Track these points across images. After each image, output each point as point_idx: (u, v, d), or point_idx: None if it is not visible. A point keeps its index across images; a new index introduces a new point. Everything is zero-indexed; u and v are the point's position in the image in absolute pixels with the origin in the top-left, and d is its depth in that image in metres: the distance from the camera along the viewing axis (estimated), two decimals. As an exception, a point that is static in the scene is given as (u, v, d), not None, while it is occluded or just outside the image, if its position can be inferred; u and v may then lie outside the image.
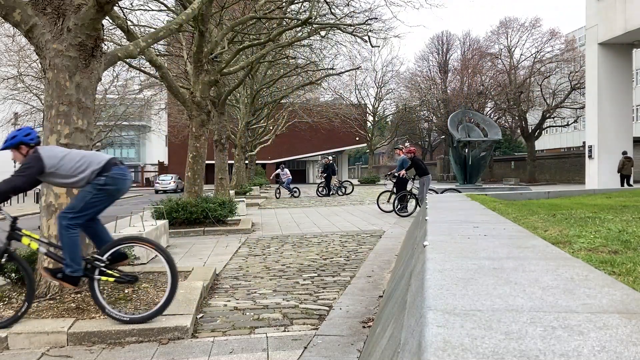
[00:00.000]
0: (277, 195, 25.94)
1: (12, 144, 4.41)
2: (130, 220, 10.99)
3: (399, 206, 13.90)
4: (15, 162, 4.38)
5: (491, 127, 39.81)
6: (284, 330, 4.33)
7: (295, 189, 25.74)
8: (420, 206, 13.09)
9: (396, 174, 14.58)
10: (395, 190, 14.84)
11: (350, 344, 3.89)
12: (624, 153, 17.62)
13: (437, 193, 13.93)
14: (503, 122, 51.50)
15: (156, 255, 4.61)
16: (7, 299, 4.80)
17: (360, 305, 4.99)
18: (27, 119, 34.60)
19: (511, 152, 55.05)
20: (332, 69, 25.43)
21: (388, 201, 15.27)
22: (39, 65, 17.97)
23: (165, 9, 16.91)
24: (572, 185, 29.98)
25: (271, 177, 26.46)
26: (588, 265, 2.34)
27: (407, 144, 17.53)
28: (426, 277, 2.11)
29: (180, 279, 5.69)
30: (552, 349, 1.28)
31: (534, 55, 44.44)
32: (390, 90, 52.51)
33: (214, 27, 13.59)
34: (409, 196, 14.25)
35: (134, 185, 62.34)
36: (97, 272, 4.34)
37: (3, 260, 4.42)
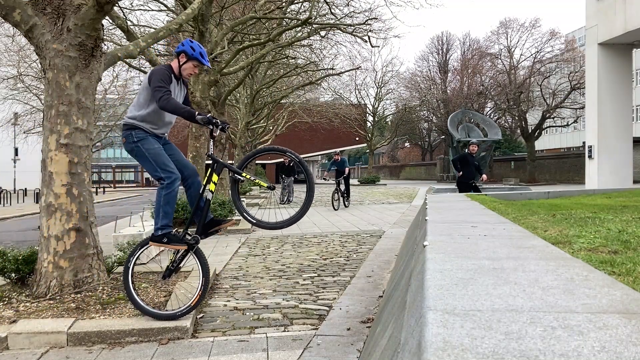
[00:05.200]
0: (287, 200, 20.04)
1: None
2: (130, 220, 10.99)
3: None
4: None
5: (491, 127, 39.88)
6: (284, 330, 4.33)
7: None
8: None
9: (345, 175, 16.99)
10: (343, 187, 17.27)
11: (350, 344, 3.89)
12: None
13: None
14: (503, 122, 51.53)
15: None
16: (7, 299, 4.81)
17: (360, 305, 4.99)
18: (27, 119, 34.60)
19: (511, 152, 55.06)
20: (332, 69, 25.41)
21: (336, 199, 16.93)
22: (39, 65, 17.98)
23: (165, 9, 16.91)
24: (572, 185, 29.97)
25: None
26: (588, 265, 2.33)
27: (338, 150, 18.16)
28: (426, 277, 2.11)
29: (180, 278, 5.70)
30: (552, 349, 1.27)
31: (533, 55, 44.48)
32: (390, 90, 52.55)
33: (214, 27, 13.59)
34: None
35: (134, 185, 62.40)
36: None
37: None
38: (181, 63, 4.40)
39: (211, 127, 4.21)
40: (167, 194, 4.32)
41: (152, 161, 4.31)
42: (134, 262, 4.50)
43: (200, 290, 4.39)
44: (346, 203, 17.65)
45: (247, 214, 4.44)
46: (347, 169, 17.14)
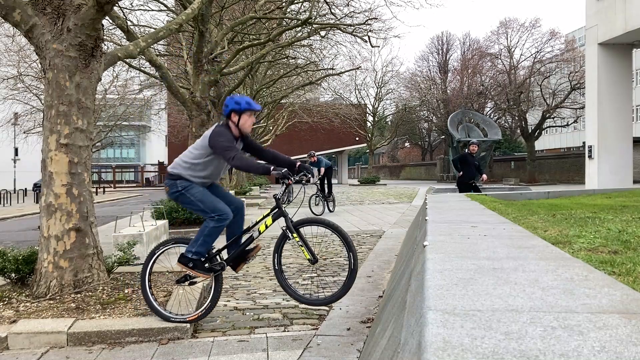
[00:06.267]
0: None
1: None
2: (130, 220, 10.98)
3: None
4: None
5: (491, 127, 39.87)
6: (284, 330, 4.33)
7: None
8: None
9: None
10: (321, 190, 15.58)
11: (350, 344, 3.89)
12: None
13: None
14: (503, 122, 51.50)
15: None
16: (7, 299, 4.81)
17: (360, 305, 4.99)
18: (27, 119, 34.60)
19: (511, 152, 55.06)
20: (332, 69, 25.41)
21: (317, 204, 15.34)
22: (39, 65, 18.00)
23: (165, 9, 16.91)
24: (572, 185, 29.97)
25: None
26: (588, 265, 2.33)
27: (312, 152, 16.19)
28: (426, 277, 2.11)
29: (180, 279, 5.69)
30: (552, 349, 1.27)
31: (533, 55, 44.46)
32: (390, 90, 52.49)
33: (214, 27, 13.60)
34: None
35: (134, 185, 62.42)
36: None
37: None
38: (236, 122, 4.26)
39: (286, 181, 4.15)
40: (214, 227, 4.24)
41: (201, 204, 4.25)
42: (154, 261, 4.45)
43: (203, 310, 4.32)
44: (330, 207, 15.68)
45: (290, 289, 4.31)
46: (322, 169, 15.46)
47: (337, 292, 4.23)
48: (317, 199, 15.38)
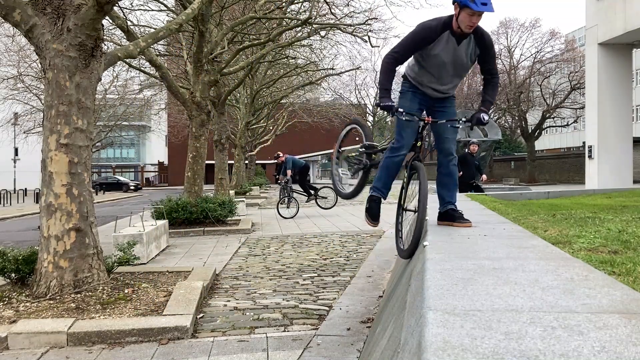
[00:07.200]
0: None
1: None
2: (130, 220, 10.99)
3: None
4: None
5: (491, 127, 39.82)
6: (284, 330, 4.33)
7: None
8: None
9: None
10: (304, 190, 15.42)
11: (350, 344, 3.89)
12: None
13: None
14: (503, 122, 51.51)
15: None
16: (7, 299, 4.81)
17: (360, 305, 4.99)
18: (27, 119, 34.63)
19: (511, 152, 55.05)
20: (332, 69, 25.41)
21: (288, 206, 14.65)
22: (39, 65, 17.99)
23: (165, 9, 16.91)
24: (572, 185, 29.96)
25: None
26: (588, 265, 2.34)
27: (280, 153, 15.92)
28: (426, 277, 2.11)
29: (180, 278, 5.70)
30: (552, 349, 1.27)
31: (533, 55, 44.46)
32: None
33: (214, 27, 13.60)
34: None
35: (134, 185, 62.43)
36: None
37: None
38: (456, 16, 3.55)
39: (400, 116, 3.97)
40: (385, 157, 4.26)
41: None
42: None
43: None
44: (321, 204, 15.48)
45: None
46: (288, 172, 14.98)
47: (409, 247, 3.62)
48: (287, 200, 14.72)
